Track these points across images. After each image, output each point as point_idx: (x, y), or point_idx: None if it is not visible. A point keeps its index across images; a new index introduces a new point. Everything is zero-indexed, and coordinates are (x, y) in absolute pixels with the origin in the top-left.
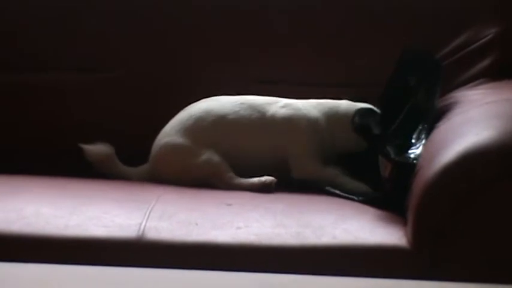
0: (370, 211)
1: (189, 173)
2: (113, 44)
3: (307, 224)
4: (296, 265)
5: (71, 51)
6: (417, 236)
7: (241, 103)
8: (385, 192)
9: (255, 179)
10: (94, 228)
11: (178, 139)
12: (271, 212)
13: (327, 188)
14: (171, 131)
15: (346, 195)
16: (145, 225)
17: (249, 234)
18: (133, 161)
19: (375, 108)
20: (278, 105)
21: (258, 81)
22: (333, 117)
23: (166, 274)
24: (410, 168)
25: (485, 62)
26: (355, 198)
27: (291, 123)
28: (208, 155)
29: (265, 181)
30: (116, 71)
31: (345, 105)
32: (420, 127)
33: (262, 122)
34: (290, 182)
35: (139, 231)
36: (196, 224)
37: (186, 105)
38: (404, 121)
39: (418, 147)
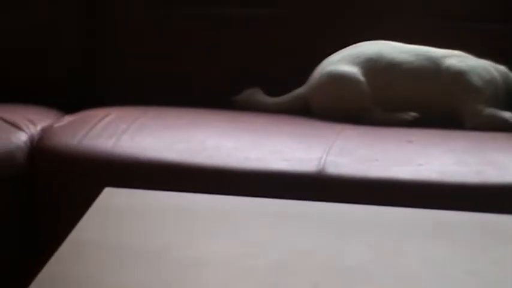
0: None
1: (344, 104)
2: None
3: (490, 162)
4: (477, 203)
5: None
6: None
7: (417, 54)
8: None
9: (402, 114)
10: (274, 162)
11: (344, 69)
12: (452, 149)
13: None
14: (337, 62)
15: None
16: (325, 160)
17: (431, 172)
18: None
19: None
20: (455, 59)
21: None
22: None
23: (345, 209)
24: None
25: None
26: None
27: (467, 76)
28: (365, 87)
29: (412, 117)
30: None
31: None
32: None
33: (437, 74)
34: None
35: (319, 166)
36: (377, 160)
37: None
38: None
39: None
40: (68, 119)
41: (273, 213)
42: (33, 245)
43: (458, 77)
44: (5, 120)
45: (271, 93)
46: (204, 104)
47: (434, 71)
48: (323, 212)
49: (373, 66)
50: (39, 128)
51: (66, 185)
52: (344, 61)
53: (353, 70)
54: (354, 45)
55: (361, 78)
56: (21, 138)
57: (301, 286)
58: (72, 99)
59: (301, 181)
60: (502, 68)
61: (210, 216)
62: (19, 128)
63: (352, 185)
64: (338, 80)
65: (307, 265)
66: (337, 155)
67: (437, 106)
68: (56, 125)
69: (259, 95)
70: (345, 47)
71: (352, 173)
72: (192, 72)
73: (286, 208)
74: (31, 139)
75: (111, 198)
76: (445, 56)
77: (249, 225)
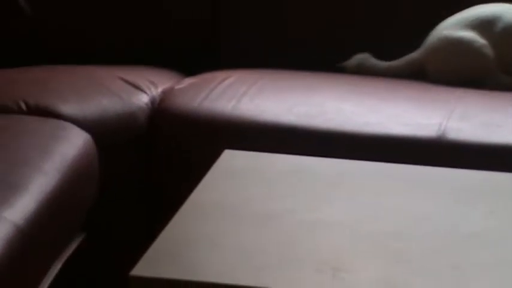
0: None
1: (465, 68)
2: None
3: None
4: None
5: None
6: None
7: None
8: None
9: None
10: (394, 126)
11: (463, 33)
12: None
13: None
14: (453, 26)
15: None
16: (445, 125)
17: None
18: None
19: None
20: None
21: None
22: None
23: (466, 175)
24: None
25: None
26: None
27: None
28: (486, 50)
29: None
30: None
31: None
32: None
33: None
34: None
35: (439, 131)
36: (499, 126)
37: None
38: None
39: None
40: (188, 81)
41: (391, 178)
42: (154, 205)
43: None
44: (127, 82)
45: (381, 58)
46: (316, 69)
47: None
48: (442, 178)
49: (491, 29)
50: (160, 90)
51: (186, 147)
52: (460, 25)
53: (471, 33)
54: (469, 8)
55: (482, 41)
56: (143, 99)
57: (420, 252)
58: (193, 62)
59: (421, 146)
60: None
61: (328, 180)
62: (141, 90)
63: (473, 151)
64: (457, 44)
65: (427, 231)
66: (457, 120)
67: None
68: (176, 87)
69: (370, 60)
70: (460, 10)
71: (473, 139)
72: (307, 36)
73: (404, 173)
74: (152, 101)
75: (231, 160)
76: None
77: (367, 190)
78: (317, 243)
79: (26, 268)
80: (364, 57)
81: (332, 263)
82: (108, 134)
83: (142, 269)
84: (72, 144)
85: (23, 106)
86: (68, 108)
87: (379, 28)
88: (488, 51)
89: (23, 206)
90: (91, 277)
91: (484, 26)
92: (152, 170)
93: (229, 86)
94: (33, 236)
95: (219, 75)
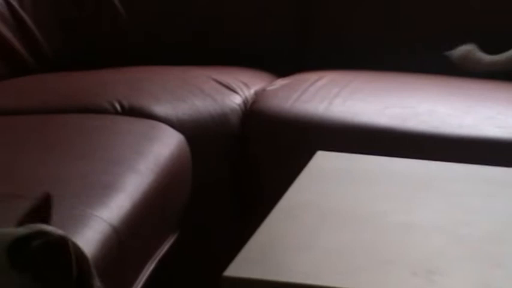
0: None
1: None
2: None
3: None
4: None
5: None
6: None
7: None
8: None
9: None
10: (488, 129)
11: None
12: None
13: None
14: None
15: None
16: None
17: None
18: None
19: None
20: None
21: None
22: None
23: None
24: None
25: None
26: None
27: None
28: None
29: None
30: None
31: None
32: None
33: None
34: None
35: None
36: None
37: None
38: None
39: None
40: (280, 82)
41: (486, 180)
42: (245, 205)
43: None
44: (220, 83)
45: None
46: (408, 70)
47: None
48: None
49: None
50: (252, 91)
51: (278, 148)
52: None
53: None
54: None
55: None
56: (235, 100)
57: None
58: (285, 63)
59: None
60: None
61: (420, 182)
62: (233, 91)
63: None
64: None
65: None
66: None
67: None
68: (268, 88)
69: (476, 52)
70: None
71: None
72: (400, 34)
73: (500, 176)
74: (245, 102)
75: (323, 161)
76: None
77: (460, 192)
78: (410, 246)
79: (120, 268)
80: (470, 49)
81: (426, 265)
82: (201, 135)
83: (235, 270)
84: (165, 145)
85: (118, 107)
86: (161, 108)
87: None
88: None
89: (118, 206)
90: (183, 277)
91: None
92: (244, 171)
93: (322, 87)
94: (127, 236)
95: (311, 76)
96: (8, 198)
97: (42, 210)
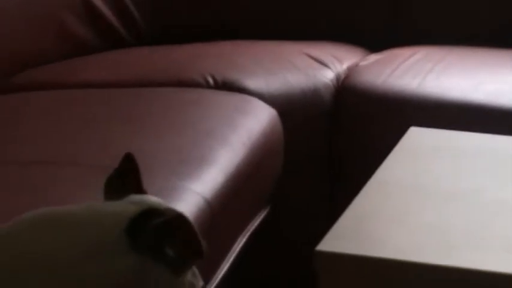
0: None
1: None
2: None
3: None
4: None
5: None
6: None
7: None
8: None
9: None
10: None
11: None
12: None
13: None
14: None
15: None
16: None
17: None
18: None
19: None
20: None
21: None
22: None
23: None
24: None
25: None
26: None
27: None
28: None
29: None
30: None
31: None
32: None
33: None
34: None
35: None
36: None
37: None
38: None
39: None
40: (373, 57)
41: None
42: (336, 180)
43: None
44: (312, 58)
45: None
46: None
47: None
48: None
49: None
50: (345, 66)
51: (371, 124)
52: None
53: None
54: None
55: None
56: (328, 75)
57: None
58: (379, 38)
59: None
60: None
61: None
62: (326, 66)
63: None
64: None
65: None
66: None
67: None
68: (361, 64)
69: None
70: None
71: None
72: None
73: None
74: (337, 77)
75: (416, 137)
76: None
77: None
78: (505, 223)
79: (213, 241)
80: None
81: None
82: (293, 110)
83: (328, 244)
84: (258, 119)
85: (210, 80)
86: (254, 83)
87: None
88: None
89: (211, 179)
90: (275, 251)
91: None
92: (335, 146)
93: (415, 62)
94: (220, 209)
95: (405, 51)
96: (104, 170)
97: (129, 173)
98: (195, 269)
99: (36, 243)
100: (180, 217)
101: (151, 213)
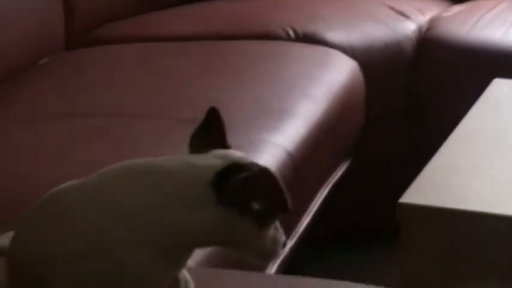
0: None
1: None
2: None
3: None
4: None
5: None
6: None
7: None
8: None
9: None
10: None
11: None
12: None
13: None
14: None
15: None
16: None
17: None
18: None
19: None
20: None
21: None
22: None
23: None
24: None
25: None
26: None
27: None
28: None
29: None
30: None
31: None
32: None
33: None
34: None
35: None
36: None
37: None
38: None
39: None
40: (456, 8)
41: None
42: (418, 132)
43: None
44: (394, 9)
45: None
46: None
47: None
48: None
49: None
50: (427, 17)
51: (454, 75)
52: None
53: None
54: None
55: None
56: (410, 27)
57: None
58: None
59: None
60: None
61: None
62: (408, 18)
63: None
64: None
65: None
66: None
67: None
68: (444, 15)
69: None
70: None
71: None
72: None
73: None
74: (419, 29)
75: (500, 89)
76: None
77: None
78: None
79: (295, 193)
80: None
81: None
82: (374, 62)
83: (410, 196)
84: (339, 72)
85: (291, 33)
86: (335, 35)
87: None
88: None
89: (293, 131)
90: (357, 204)
91: None
92: (418, 98)
93: (499, 13)
94: (302, 161)
95: (488, 2)
96: (188, 123)
97: (213, 127)
98: (277, 223)
99: (122, 193)
100: (265, 171)
101: (236, 167)
